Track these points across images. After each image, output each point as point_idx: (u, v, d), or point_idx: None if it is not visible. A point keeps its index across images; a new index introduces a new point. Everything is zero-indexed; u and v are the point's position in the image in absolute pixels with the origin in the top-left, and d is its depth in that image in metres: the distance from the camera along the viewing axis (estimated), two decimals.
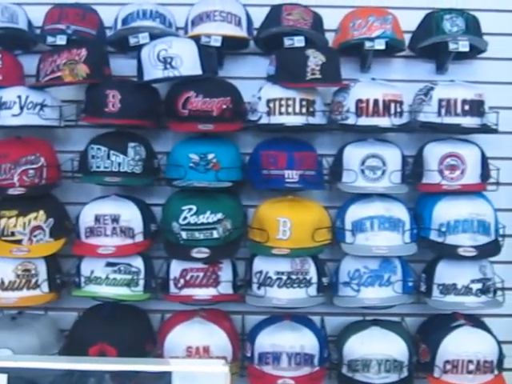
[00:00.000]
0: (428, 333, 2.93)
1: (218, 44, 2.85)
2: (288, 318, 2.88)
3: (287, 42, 2.87)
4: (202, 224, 2.77)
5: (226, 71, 3.07)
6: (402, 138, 3.02)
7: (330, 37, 3.00)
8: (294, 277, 2.82)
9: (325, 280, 2.88)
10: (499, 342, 2.83)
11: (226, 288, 2.87)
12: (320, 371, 2.84)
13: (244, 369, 2.85)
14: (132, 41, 2.87)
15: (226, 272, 2.88)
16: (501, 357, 2.82)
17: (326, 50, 2.87)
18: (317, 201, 2.95)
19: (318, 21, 2.96)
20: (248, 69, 3.07)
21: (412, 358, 2.84)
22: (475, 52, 2.98)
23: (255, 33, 2.99)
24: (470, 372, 2.79)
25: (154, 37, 2.84)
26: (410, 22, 2.98)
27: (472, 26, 2.92)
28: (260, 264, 2.85)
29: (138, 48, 2.82)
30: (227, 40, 2.88)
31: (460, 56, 2.97)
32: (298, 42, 2.87)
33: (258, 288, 2.84)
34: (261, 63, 3.01)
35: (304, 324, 2.87)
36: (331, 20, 2.98)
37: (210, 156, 2.80)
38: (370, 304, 2.83)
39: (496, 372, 2.81)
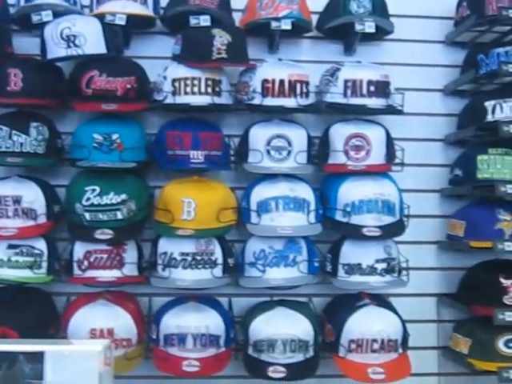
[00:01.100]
0: (333, 313, 2.97)
1: (123, 23, 2.84)
2: (194, 300, 2.89)
3: (193, 21, 2.88)
4: (106, 205, 2.77)
5: (132, 51, 3.07)
6: (309, 118, 3.05)
7: (237, 16, 3.01)
8: (198, 258, 2.84)
9: (230, 261, 2.90)
10: (403, 321, 2.89)
11: (130, 270, 2.87)
12: (226, 352, 2.86)
13: (150, 351, 2.85)
14: (35, 18, 2.85)
15: (130, 254, 2.87)
16: (405, 336, 2.88)
17: (233, 30, 2.89)
18: (224, 182, 2.97)
19: (224, 0, 2.96)
20: (155, 48, 3.08)
21: (317, 337, 2.87)
22: (382, 33, 3.03)
23: (162, 12, 2.98)
24: (374, 351, 2.84)
25: (57, 15, 2.82)
26: (317, 2, 3.02)
27: (379, 8, 2.98)
28: (165, 245, 2.86)
29: (42, 26, 2.79)
30: (133, 19, 2.87)
31: (368, 37, 3.03)
32: (204, 21, 2.88)
33: (163, 269, 2.85)
34: (168, 43, 3.00)
35: (210, 305, 2.88)
36: (239, 0, 2.98)
37: (114, 136, 2.80)
38: (275, 284, 2.87)
39: (400, 351, 2.86)
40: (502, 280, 2.86)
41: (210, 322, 2.84)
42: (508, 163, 2.90)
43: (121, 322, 2.81)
